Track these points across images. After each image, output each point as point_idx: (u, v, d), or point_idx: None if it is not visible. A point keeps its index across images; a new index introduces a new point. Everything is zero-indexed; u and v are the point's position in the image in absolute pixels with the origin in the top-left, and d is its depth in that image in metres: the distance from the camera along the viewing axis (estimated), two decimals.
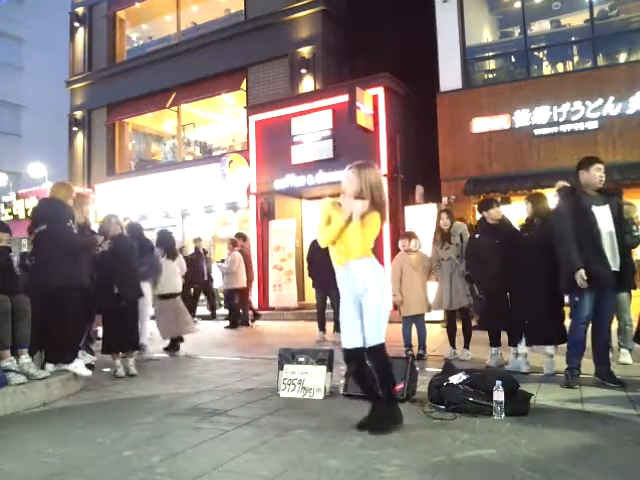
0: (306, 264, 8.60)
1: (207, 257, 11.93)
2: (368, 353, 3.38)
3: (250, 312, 10.94)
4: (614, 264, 4.27)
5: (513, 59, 11.97)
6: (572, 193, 4.50)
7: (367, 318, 3.35)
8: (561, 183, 5.06)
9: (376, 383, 3.39)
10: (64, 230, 4.75)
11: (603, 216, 4.30)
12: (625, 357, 5.25)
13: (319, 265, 7.61)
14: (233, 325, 10.35)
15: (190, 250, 11.38)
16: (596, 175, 4.34)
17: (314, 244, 8.32)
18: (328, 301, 7.95)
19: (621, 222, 4.44)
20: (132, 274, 5.80)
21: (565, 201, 4.54)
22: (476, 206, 8.90)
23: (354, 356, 3.39)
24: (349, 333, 3.39)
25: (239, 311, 10.58)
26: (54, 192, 5.03)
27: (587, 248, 4.25)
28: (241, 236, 10.99)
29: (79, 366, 4.74)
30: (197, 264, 10.74)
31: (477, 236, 5.46)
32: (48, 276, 4.62)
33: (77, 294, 4.80)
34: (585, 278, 4.16)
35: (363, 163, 3.45)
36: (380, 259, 11.64)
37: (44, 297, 4.59)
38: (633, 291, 5.37)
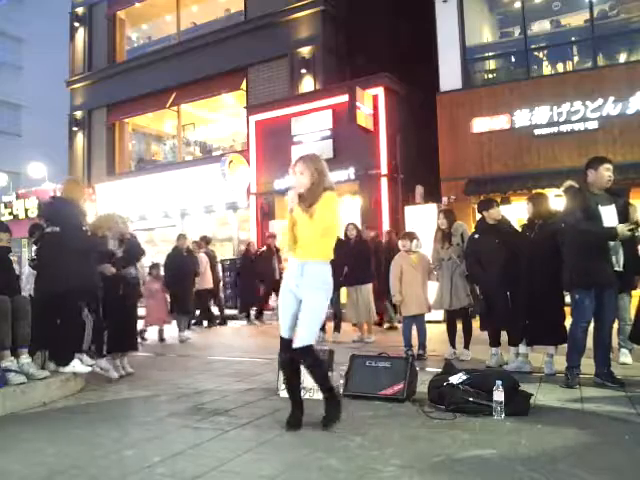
0: None
1: (279, 255, 11.92)
2: (297, 353, 3.37)
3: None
4: (617, 264, 4.27)
5: (513, 59, 11.97)
6: (579, 192, 4.50)
7: (302, 319, 3.37)
8: (568, 182, 5.07)
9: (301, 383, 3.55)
10: (80, 234, 4.70)
11: (609, 216, 4.29)
12: (625, 357, 5.24)
13: None
14: (211, 324, 10.61)
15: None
16: (605, 175, 4.32)
17: None
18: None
19: (628, 222, 4.40)
20: (136, 275, 5.92)
21: (573, 200, 4.54)
22: (476, 206, 8.89)
23: (285, 346, 3.44)
24: (286, 324, 3.46)
25: (210, 310, 10.78)
26: (68, 191, 4.92)
27: (591, 247, 4.25)
28: (204, 239, 11.01)
29: (77, 365, 4.70)
30: (269, 261, 10.91)
31: (476, 236, 5.46)
32: (59, 279, 4.54)
33: (82, 298, 4.78)
34: (628, 228, 4.11)
35: (305, 155, 3.57)
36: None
37: (50, 298, 4.57)
38: (633, 291, 5.37)
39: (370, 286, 7.68)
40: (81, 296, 4.74)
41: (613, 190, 4.43)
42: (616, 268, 4.26)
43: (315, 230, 3.33)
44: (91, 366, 5.05)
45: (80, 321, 4.79)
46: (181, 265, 8.76)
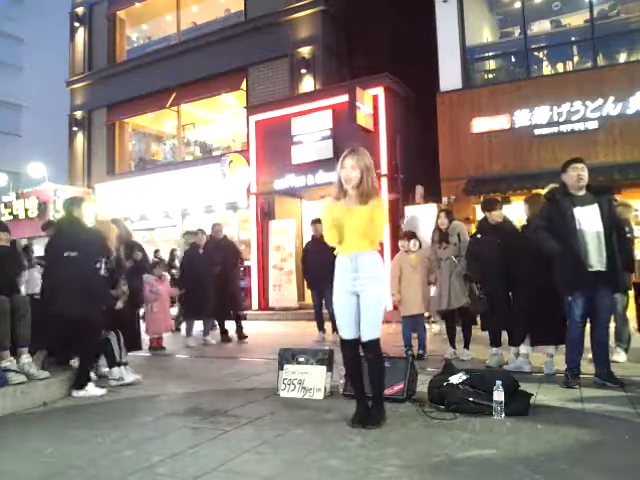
0: (301, 265, 8.58)
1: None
2: (365, 347, 3.41)
3: None
4: (599, 264, 4.24)
5: (513, 59, 11.98)
6: (553, 197, 4.51)
7: (366, 313, 3.37)
8: (550, 186, 5.07)
9: (363, 381, 3.48)
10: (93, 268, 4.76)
11: (589, 216, 4.27)
12: (618, 355, 5.25)
13: (313, 266, 7.60)
14: None
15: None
16: (573, 175, 4.33)
17: (308, 245, 8.30)
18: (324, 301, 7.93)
19: (614, 219, 4.37)
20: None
21: (544, 205, 4.57)
22: (477, 206, 8.89)
23: (350, 346, 3.46)
24: (345, 324, 3.44)
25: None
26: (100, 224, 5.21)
27: (566, 250, 4.25)
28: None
29: (91, 389, 4.60)
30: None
31: (479, 236, 5.46)
32: (82, 305, 4.54)
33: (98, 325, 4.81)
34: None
35: (355, 148, 3.46)
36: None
37: (73, 322, 4.56)
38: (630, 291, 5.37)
39: None
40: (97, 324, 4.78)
41: (596, 188, 4.41)
42: (597, 268, 4.23)
43: (368, 223, 3.34)
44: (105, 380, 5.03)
45: (97, 345, 4.85)
46: (199, 263, 8.00)
